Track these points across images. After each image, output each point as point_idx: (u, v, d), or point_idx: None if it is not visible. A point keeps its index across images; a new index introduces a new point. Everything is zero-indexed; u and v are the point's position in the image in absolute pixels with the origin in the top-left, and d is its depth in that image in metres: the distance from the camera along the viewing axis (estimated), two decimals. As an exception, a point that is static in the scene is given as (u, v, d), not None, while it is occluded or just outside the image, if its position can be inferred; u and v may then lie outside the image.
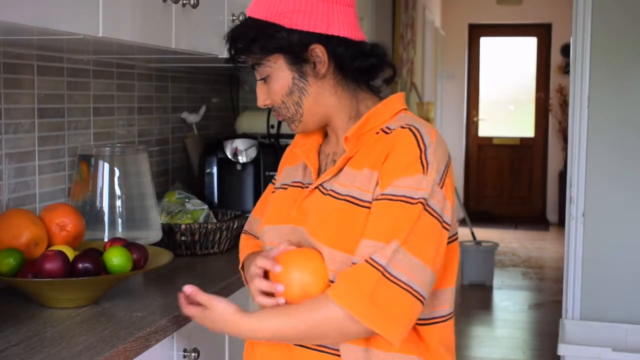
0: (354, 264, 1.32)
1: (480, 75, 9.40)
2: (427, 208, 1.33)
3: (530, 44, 9.26)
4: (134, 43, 1.81)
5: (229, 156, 2.73)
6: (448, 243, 1.40)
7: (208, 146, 2.79)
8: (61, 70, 2.18)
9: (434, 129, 1.42)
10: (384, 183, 1.35)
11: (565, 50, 8.60)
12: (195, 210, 2.41)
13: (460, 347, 4.69)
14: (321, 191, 1.43)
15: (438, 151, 1.37)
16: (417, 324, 1.39)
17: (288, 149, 1.64)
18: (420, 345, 1.40)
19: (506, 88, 9.39)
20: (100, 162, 2.11)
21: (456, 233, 1.45)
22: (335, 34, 1.40)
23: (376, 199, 1.35)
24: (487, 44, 9.40)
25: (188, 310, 1.45)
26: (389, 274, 1.29)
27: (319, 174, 1.49)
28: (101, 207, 2.10)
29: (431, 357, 1.42)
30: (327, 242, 1.37)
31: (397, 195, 1.33)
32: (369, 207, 1.36)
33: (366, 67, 1.45)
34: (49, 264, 1.66)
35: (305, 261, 1.37)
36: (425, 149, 1.35)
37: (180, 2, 1.96)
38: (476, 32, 9.34)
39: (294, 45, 1.40)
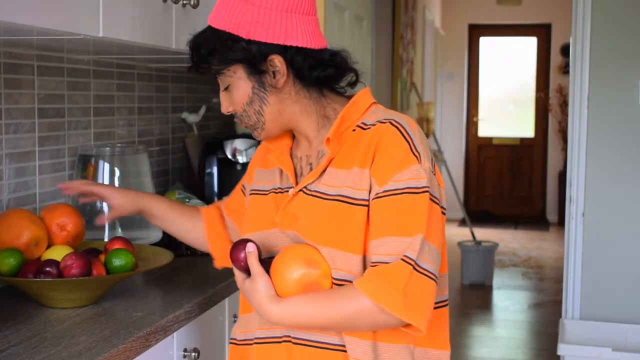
0: (375, 262, 1.33)
1: (480, 75, 9.39)
2: (432, 196, 1.37)
3: (530, 44, 9.26)
4: (134, 43, 1.82)
5: (229, 156, 2.73)
6: None
7: (208, 146, 2.79)
8: (61, 70, 2.18)
9: (411, 118, 1.45)
10: (381, 180, 1.36)
11: (565, 50, 8.61)
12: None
13: (460, 347, 4.70)
14: (305, 193, 1.44)
15: (423, 141, 1.41)
16: None
17: (258, 150, 1.65)
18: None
19: (506, 88, 9.39)
20: (101, 162, 2.12)
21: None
22: (294, 44, 1.41)
23: (377, 197, 1.36)
24: (487, 44, 9.40)
25: (236, 271, 1.42)
26: (419, 266, 1.33)
27: (297, 177, 1.49)
28: (101, 207, 2.10)
29: (432, 343, 1.46)
30: (324, 242, 1.38)
31: (401, 188, 1.35)
32: (363, 205, 1.37)
33: (325, 77, 1.45)
34: (74, 269, 1.68)
35: (301, 253, 1.37)
36: (412, 140, 1.38)
37: (180, 2, 1.96)
38: (476, 32, 9.34)
39: (253, 57, 1.41)
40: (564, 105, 8.66)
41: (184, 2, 1.97)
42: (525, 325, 5.21)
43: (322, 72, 1.45)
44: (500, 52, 9.39)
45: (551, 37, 9.05)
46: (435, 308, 1.43)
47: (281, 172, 1.52)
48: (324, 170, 1.43)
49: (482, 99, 9.44)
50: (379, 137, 1.39)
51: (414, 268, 1.32)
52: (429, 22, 7.68)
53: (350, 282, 1.36)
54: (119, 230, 2.11)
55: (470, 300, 5.82)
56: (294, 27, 1.41)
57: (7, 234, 1.74)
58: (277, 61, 1.41)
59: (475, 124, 9.45)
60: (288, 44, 1.41)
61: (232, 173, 2.77)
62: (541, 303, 5.67)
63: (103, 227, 2.10)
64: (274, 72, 1.43)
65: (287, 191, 1.48)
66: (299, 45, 1.41)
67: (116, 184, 2.13)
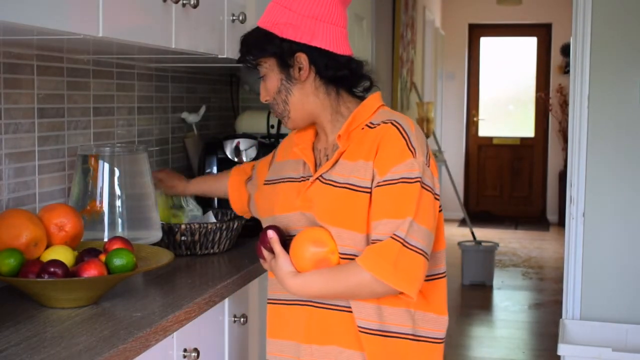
0: (374, 240, 1.60)
1: (480, 75, 9.40)
2: (423, 185, 1.62)
3: (530, 44, 9.26)
4: (134, 43, 1.82)
5: (229, 156, 2.73)
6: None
7: (208, 146, 2.79)
8: (61, 70, 2.18)
9: (411, 119, 1.71)
10: (381, 171, 1.62)
11: (565, 50, 8.61)
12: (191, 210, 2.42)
13: (460, 347, 4.70)
14: (321, 181, 1.69)
15: (419, 138, 1.67)
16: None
17: (286, 138, 1.92)
18: (419, 299, 1.68)
19: (506, 88, 9.39)
20: (100, 162, 2.11)
21: (441, 204, 1.74)
22: (317, 45, 1.68)
23: (378, 185, 1.62)
24: (487, 44, 9.40)
25: (265, 252, 1.72)
26: (408, 243, 1.58)
27: (316, 167, 1.75)
28: (101, 207, 2.10)
29: (430, 308, 1.72)
30: (334, 223, 1.64)
31: (397, 179, 1.60)
32: (367, 192, 1.63)
33: (340, 77, 1.72)
34: (87, 272, 1.70)
35: (311, 235, 1.65)
36: (409, 138, 1.64)
37: (180, 2, 1.96)
38: (476, 32, 9.34)
39: (284, 52, 1.69)
40: (564, 105, 8.66)
41: (184, 2, 1.97)
42: (525, 325, 5.21)
43: (337, 73, 1.71)
44: (500, 52, 9.40)
45: (551, 37, 9.05)
46: (433, 279, 1.73)
47: (304, 163, 1.77)
48: (337, 162, 1.69)
49: (482, 99, 9.45)
50: (382, 135, 1.64)
51: (403, 244, 1.57)
52: (429, 22, 7.68)
53: (356, 256, 1.62)
54: (119, 230, 2.11)
55: (470, 300, 5.82)
56: (320, 32, 1.68)
57: (6, 234, 1.74)
58: (302, 58, 1.69)
59: (476, 124, 9.45)
60: (313, 44, 1.68)
61: (232, 173, 2.76)
62: (541, 303, 5.67)
63: (102, 228, 2.10)
64: (299, 68, 1.70)
65: (308, 179, 1.74)
66: (322, 47, 1.68)
67: (116, 184, 2.13)
